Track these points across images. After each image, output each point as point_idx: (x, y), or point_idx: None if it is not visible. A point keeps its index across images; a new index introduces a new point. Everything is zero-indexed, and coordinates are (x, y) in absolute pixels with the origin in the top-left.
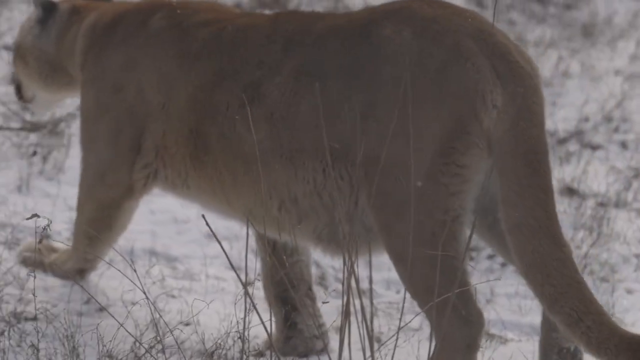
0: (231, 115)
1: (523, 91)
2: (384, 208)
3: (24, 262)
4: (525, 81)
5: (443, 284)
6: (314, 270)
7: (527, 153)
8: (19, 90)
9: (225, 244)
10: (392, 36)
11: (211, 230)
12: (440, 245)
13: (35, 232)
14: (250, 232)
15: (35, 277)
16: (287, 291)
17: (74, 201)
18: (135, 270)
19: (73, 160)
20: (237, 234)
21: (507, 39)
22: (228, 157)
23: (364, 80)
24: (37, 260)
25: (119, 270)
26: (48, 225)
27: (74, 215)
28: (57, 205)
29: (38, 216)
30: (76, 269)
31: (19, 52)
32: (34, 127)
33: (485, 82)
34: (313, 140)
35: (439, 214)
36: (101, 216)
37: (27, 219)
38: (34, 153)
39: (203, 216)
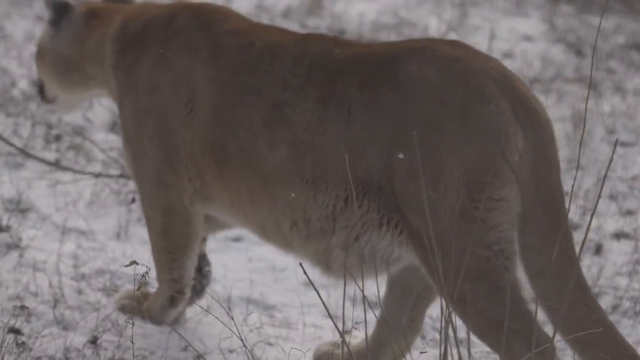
0: (253, 132)
1: (542, 139)
2: (423, 247)
3: (123, 309)
4: (544, 129)
5: (505, 314)
6: None
7: (547, 200)
8: (41, 91)
9: (322, 292)
10: (417, 73)
11: (308, 279)
12: (489, 281)
13: (134, 279)
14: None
15: (133, 324)
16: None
17: None
18: (232, 318)
19: None
20: (334, 282)
21: (525, 87)
22: (246, 172)
23: (389, 116)
24: (136, 307)
25: (216, 318)
26: (146, 273)
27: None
28: None
29: (137, 263)
30: (167, 298)
31: (39, 52)
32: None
33: (508, 124)
34: (338, 169)
35: (480, 249)
36: (172, 224)
37: (126, 266)
38: (133, 200)
39: (301, 264)
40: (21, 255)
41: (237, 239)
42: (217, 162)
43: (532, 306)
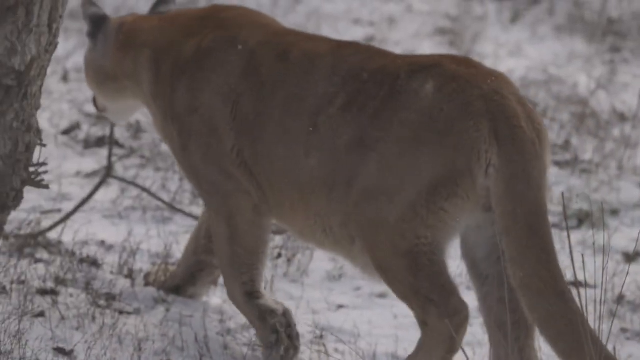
0: (292, 140)
1: (522, 155)
2: (367, 230)
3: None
4: (526, 146)
5: (424, 284)
6: None
7: (526, 215)
8: (94, 101)
9: (468, 350)
10: (418, 89)
11: (453, 334)
12: (412, 259)
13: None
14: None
15: None
16: (201, 271)
17: (318, 304)
18: None
19: (318, 263)
20: (480, 340)
21: (520, 104)
22: (286, 181)
23: (382, 120)
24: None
25: None
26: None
27: (317, 317)
28: (300, 307)
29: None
30: (242, 293)
31: (84, 63)
32: (279, 231)
33: (481, 141)
34: (343, 174)
35: (412, 237)
36: (236, 228)
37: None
38: (279, 255)
39: (452, 331)
40: (168, 310)
41: (382, 296)
42: (257, 169)
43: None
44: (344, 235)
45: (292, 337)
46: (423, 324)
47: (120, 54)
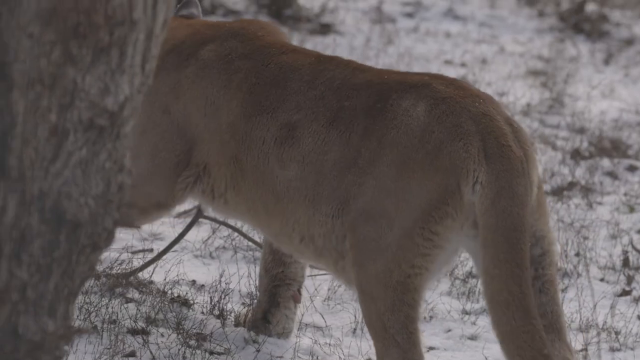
0: (265, 151)
1: (509, 172)
2: (363, 250)
3: None
4: (513, 163)
5: (396, 325)
6: None
7: (507, 229)
8: None
9: None
10: (409, 109)
11: None
12: (400, 292)
13: None
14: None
15: None
16: (278, 287)
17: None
18: None
19: None
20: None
21: (508, 125)
22: (260, 188)
23: (373, 140)
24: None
25: None
26: None
27: None
28: None
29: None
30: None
31: None
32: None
33: (470, 160)
34: (329, 188)
35: (407, 267)
36: (140, 214)
37: None
38: None
39: None
40: (258, 350)
41: (473, 337)
42: (234, 175)
43: None
44: (328, 247)
45: None
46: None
47: None
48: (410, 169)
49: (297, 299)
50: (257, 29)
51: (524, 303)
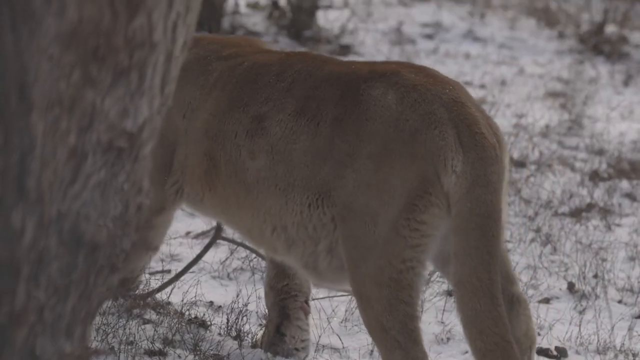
0: (237, 144)
1: (483, 159)
2: (353, 249)
3: None
4: (487, 151)
5: (395, 325)
6: None
7: (479, 216)
8: None
9: None
10: (380, 98)
11: None
12: (394, 289)
13: None
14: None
15: None
16: (285, 300)
17: None
18: None
19: (425, 326)
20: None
21: (479, 111)
22: (233, 181)
23: (348, 132)
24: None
25: None
26: None
27: None
28: None
29: None
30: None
31: None
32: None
33: (448, 149)
34: (303, 177)
35: (397, 262)
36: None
37: None
38: None
39: None
40: None
41: None
42: (208, 173)
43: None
44: (302, 236)
45: None
46: None
47: None
48: (388, 159)
49: (305, 310)
50: (240, 39)
51: (491, 289)
